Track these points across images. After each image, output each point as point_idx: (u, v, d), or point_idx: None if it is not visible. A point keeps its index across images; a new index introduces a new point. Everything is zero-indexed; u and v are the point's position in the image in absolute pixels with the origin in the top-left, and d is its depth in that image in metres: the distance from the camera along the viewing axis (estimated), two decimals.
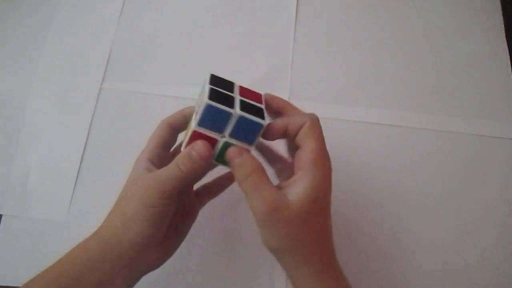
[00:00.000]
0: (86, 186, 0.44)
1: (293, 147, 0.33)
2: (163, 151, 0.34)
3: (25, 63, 0.50)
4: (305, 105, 0.47)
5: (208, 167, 0.35)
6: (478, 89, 0.48)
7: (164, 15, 0.52)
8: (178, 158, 0.31)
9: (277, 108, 0.34)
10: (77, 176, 0.44)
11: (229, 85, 0.33)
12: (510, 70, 0.49)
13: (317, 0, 0.52)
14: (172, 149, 0.36)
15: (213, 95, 0.30)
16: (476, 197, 0.44)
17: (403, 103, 0.48)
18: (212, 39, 0.51)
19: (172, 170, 0.31)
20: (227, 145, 0.31)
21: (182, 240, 0.35)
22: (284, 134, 0.32)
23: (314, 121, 0.31)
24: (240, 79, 0.48)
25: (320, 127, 0.31)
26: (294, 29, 0.51)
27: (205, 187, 0.39)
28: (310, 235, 0.30)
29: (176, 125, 0.34)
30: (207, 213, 0.43)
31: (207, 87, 0.31)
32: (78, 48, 0.50)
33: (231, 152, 0.31)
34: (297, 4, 0.52)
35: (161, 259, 0.33)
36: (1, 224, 0.43)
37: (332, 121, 0.47)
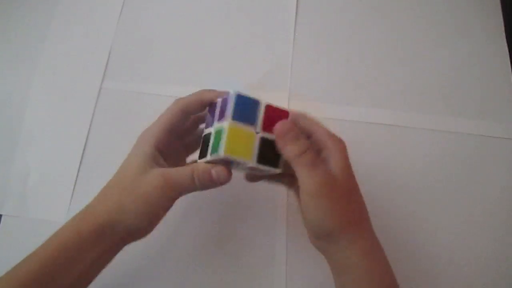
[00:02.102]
0: (86, 186, 0.44)
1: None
2: (171, 137, 0.34)
3: (25, 63, 0.50)
4: (305, 105, 0.47)
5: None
6: (478, 89, 0.48)
7: (164, 15, 0.52)
8: (196, 170, 0.31)
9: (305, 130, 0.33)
10: (77, 176, 0.44)
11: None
12: (510, 70, 0.49)
13: (317, 0, 0.52)
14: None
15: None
16: (476, 197, 0.44)
17: (403, 103, 0.48)
18: (212, 39, 0.51)
19: (186, 179, 0.31)
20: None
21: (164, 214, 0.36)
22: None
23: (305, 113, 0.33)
24: (240, 79, 0.49)
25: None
26: (294, 29, 0.51)
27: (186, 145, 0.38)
28: (356, 211, 0.31)
29: (190, 110, 0.34)
30: (207, 213, 0.43)
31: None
32: (78, 48, 0.50)
33: (281, 127, 0.30)
34: (297, 4, 0.52)
35: (145, 234, 0.34)
36: (1, 224, 0.43)
37: (332, 121, 0.46)
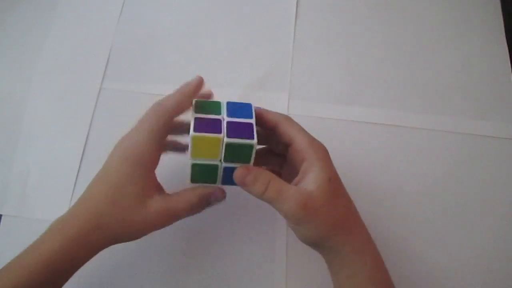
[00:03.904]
0: (86, 186, 0.44)
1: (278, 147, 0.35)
2: (158, 148, 0.33)
3: (25, 63, 0.50)
4: (305, 105, 0.48)
5: None
6: (478, 89, 0.48)
7: (164, 15, 0.52)
8: (193, 198, 0.32)
9: (271, 124, 0.34)
10: (77, 176, 0.44)
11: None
12: (510, 70, 0.49)
13: (317, 0, 0.52)
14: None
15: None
16: (476, 197, 0.44)
17: (403, 103, 0.48)
18: (212, 39, 0.51)
19: (183, 204, 0.32)
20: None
21: None
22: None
23: (288, 118, 0.33)
24: (240, 79, 0.49)
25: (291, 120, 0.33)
26: (294, 29, 0.51)
27: (173, 142, 0.39)
28: (343, 213, 0.31)
29: (171, 118, 0.33)
30: (207, 212, 0.43)
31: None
32: (78, 48, 0.50)
33: (239, 174, 0.31)
34: (297, 4, 0.52)
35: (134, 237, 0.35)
36: (1, 224, 0.43)
37: (332, 121, 0.47)
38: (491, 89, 0.48)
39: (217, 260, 0.41)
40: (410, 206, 0.43)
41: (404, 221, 0.43)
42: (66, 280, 0.31)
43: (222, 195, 0.33)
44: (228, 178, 0.32)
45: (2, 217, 0.43)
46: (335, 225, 0.30)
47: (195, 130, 0.30)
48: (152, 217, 0.31)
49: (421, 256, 0.42)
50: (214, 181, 0.33)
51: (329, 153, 0.33)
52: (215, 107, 0.32)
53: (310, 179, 0.30)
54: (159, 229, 0.32)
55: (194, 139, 0.30)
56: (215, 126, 0.30)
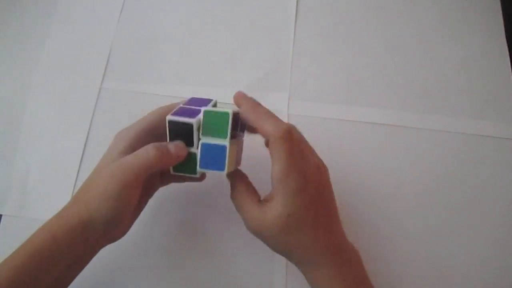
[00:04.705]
0: None
1: None
2: (149, 137, 0.33)
3: (25, 63, 0.50)
4: (305, 105, 0.48)
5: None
6: (478, 89, 0.48)
7: (164, 15, 0.52)
8: (149, 145, 0.31)
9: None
10: (77, 176, 0.44)
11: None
12: (510, 70, 0.49)
13: (317, 0, 0.52)
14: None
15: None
16: (476, 197, 0.44)
17: (403, 103, 0.48)
18: (212, 39, 0.51)
19: (139, 158, 0.31)
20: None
21: (138, 215, 0.36)
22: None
23: (278, 135, 0.30)
24: (240, 79, 0.49)
25: (288, 138, 0.30)
26: (294, 29, 0.51)
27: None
28: (300, 246, 0.31)
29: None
30: (206, 212, 0.43)
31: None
32: (78, 48, 0.50)
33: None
34: (297, 4, 0.52)
35: (120, 235, 0.35)
36: (1, 224, 0.43)
37: (332, 121, 0.47)
38: (491, 89, 0.48)
39: (217, 260, 0.41)
40: (410, 206, 0.43)
41: (404, 221, 0.43)
42: (62, 270, 0.31)
43: (181, 146, 0.32)
44: (208, 158, 0.31)
45: (2, 217, 0.43)
46: (290, 254, 0.32)
47: (171, 114, 0.31)
48: (108, 177, 0.30)
49: (422, 255, 0.42)
50: (194, 170, 0.33)
51: (327, 172, 0.33)
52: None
53: (270, 208, 0.30)
54: (126, 200, 0.30)
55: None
56: (191, 112, 0.32)
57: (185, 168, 0.33)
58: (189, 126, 0.31)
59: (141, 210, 0.37)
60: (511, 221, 0.43)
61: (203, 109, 0.31)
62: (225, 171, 0.31)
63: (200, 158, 0.31)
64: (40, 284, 0.30)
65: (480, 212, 0.43)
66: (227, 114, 0.30)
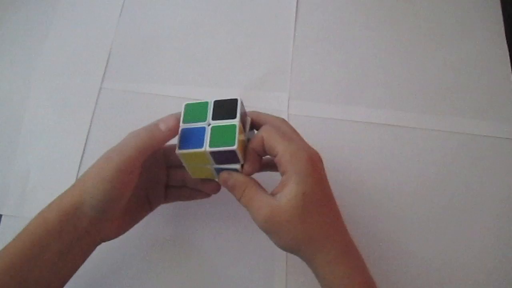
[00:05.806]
0: None
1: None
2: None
3: (25, 63, 0.50)
4: (305, 105, 0.48)
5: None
6: (478, 89, 0.48)
7: (164, 15, 0.52)
8: (140, 129, 0.32)
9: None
10: (77, 176, 0.44)
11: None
12: (510, 70, 0.49)
13: (317, 0, 0.52)
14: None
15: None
16: (476, 197, 0.44)
17: (403, 103, 0.48)
18: (212, 39, 0.51)
19: (136, 138, 0.32)
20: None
21: (135, 223, 0.37)
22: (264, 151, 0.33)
23: (276, 123, 0.33)
24: (240, 79, 0.49)
25: (285, 125, 0.34)
26: (294, 29, 0.51)
27: (177, 188, 0.39)
28: (314, 228, 0.30)
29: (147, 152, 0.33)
30: (207, 213, 0.43)
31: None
32: (78, 48, 0.50)
33: (222, 179, 0.33)
34: (297, 4, 0.52)
35: (115, 234, 0.34)
36: (1, 224, 0.43)
37: (332, 121, 0.47)
38: (491, 89, 0.48)
39: (217, 260, 0.41)
40: (409, 205, 0.43)
41: (403, 220, 0.43)
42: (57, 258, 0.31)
43: (172, 120, 0.33)
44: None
45: (2, 217, 0.43)
46: (303, 239, 0.30)
47: (179, 148, 0.32)
48: (103, 158, 0.31)
49: (422, 255, 0.42)
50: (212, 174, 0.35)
51: (322, 161, 0.33)
52: (202, 111, 0.34)
53: (284, 192, 0.30)
54: (121, 181, 0.31)
55: (181, 156, 0.33)
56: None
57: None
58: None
59: (139, 220, 0.37)
60: (511, 221, 0.43)
61: (207, 149, 0.32)
62: (235, 146, 0.31)
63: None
64: (35, 271, 0.30)
65: (480, 211, 0.43)
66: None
